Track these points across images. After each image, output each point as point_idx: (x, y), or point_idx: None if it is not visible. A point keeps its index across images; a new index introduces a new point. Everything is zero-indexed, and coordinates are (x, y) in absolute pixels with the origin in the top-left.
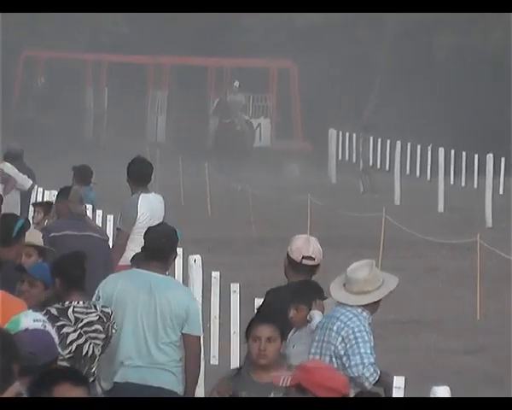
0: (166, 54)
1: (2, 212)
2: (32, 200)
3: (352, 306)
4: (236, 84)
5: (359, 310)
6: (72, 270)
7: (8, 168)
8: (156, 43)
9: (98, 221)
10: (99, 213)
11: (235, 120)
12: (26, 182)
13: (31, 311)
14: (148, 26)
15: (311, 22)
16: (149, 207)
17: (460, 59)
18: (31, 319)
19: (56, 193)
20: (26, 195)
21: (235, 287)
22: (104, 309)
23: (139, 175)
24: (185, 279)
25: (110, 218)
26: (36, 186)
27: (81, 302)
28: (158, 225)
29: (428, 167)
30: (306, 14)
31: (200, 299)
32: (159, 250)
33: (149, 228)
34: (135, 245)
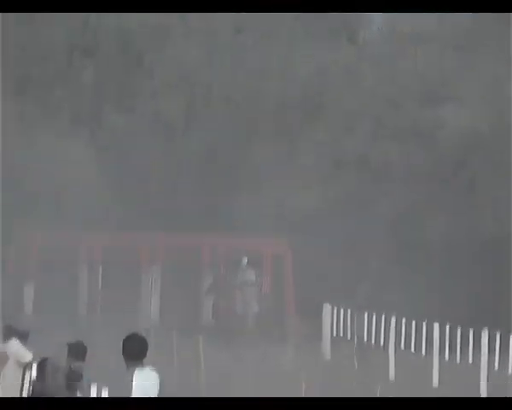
0: (159, 233)
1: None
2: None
3: None
4: (245, 260)
5: None
6: None
7: (13, 345)
8: (149, 222)
9: (93, 396)
10: (93, 388)
11: (237, 297)
12: (26, 355)
13: None
14: (140, 205)
15: (304, 203)
16: (144, 383)
17: (455, 233)
18: None
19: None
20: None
21: None
22: None
23: (134, 351)
24: None
25: (105, 392)
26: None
27: None
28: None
29: (423, 343)
30: (298, 195)
31: None
32: None
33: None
34: None
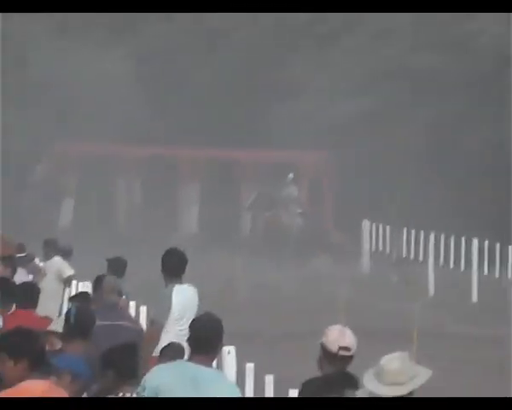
0: (197, 146)
1: (41, 302)
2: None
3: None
4: (291, 176)
5: None
6: (126, 361)
7: (56, 261)
8: (187, 135)
9: (131, 313)
10: (132, 304)
11: (280, 212)
12: (67, 271)
13: None
14: (180, 119)
15: (341, 113)
16: (183, 299)
17: (494, 149)
18: None
19: (91, 283)
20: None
21: (269, 379)
22: None
23: (173, 267)
24: (219, 370)
25: (143, 309)
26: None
27: (128, 395)
28: (204, 315)
29: (462, 258)
30: (335, 106)
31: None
32: (206, 342)
33: (195, 319)
34: (168, 337)
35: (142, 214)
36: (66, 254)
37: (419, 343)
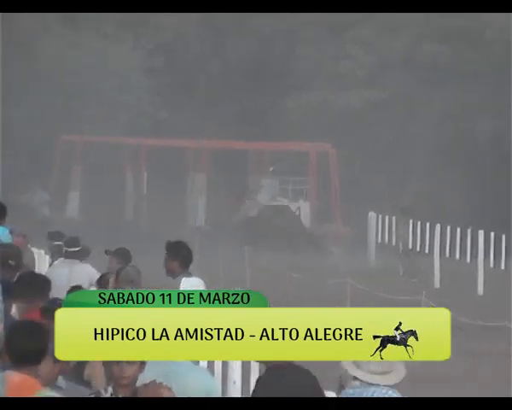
0: (205, 137)
1: None
2: None
3: (383, 386)
4: (271, 169)
5: (390, 392)
6: None
7: (86, 267)
8: (195, 126)
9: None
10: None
11: (254, 204)
12: (95, 276)
13: None
14: (186, 110)
15: (350, 104)
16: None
17: (500, 139)
18: None
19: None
20: None
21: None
22: None
23: (179, 259)
24: (225, 362)
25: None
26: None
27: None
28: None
29: (468, 250)
30: (344, 97)
31: (239, 380)
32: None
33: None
34: None
35: (148, 205)
36: (85, 256)
37: None
